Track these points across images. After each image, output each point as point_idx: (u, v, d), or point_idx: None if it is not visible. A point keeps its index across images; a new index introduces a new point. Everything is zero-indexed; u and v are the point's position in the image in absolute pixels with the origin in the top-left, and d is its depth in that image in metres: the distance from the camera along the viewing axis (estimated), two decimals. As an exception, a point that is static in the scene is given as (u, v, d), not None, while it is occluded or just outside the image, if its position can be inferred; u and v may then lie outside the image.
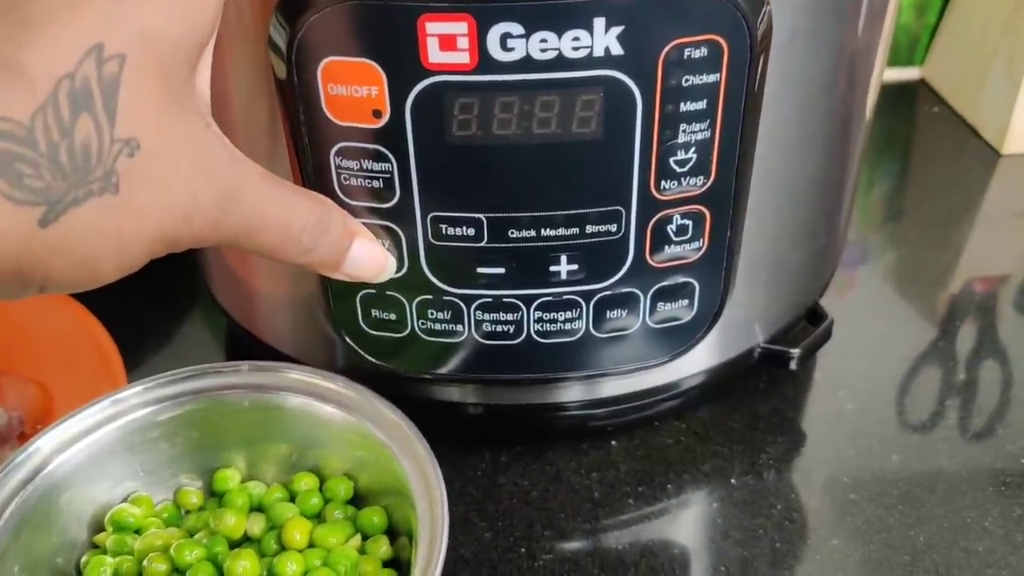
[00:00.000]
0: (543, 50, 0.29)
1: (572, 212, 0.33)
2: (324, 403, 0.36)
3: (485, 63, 0.30)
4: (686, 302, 0.37)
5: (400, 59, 0.30)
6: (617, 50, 0.30)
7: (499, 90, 0.30)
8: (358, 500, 0.37)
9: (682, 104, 0.31)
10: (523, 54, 0.29)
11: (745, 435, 0.45)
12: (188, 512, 0.37)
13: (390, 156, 0.32)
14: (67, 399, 0.43)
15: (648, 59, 0.30)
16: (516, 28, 0.29)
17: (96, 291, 0.26)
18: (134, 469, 0.37)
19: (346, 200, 0.33)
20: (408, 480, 0.33)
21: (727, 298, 0.38)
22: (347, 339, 0.38)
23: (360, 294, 0.36)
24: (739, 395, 0.47)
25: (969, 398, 0.48)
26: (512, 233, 0.34)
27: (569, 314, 0.36)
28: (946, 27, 0.75)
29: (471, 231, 0.34)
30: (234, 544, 0.35)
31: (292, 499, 0.37)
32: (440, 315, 0.36)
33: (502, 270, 0.35)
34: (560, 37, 0.29)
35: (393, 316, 0.37)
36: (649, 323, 0.37)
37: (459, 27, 0.29)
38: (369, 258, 0.33)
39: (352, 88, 0.31)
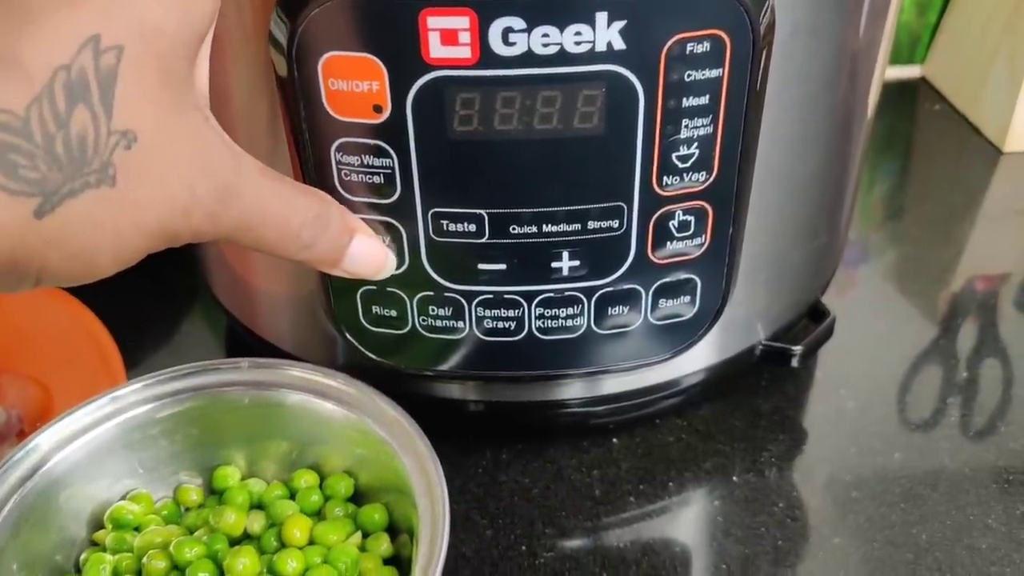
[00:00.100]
0: (545, 45, 0.29)
1: (574, 208, 0.33)
2: (324, 400, 0.36)
3: (486, 58, 0.29)
4: (688, 299, 0.37)
5: (401, 54, 0.30)
6: (619, 45, 0.29)
7: (501, 85, 0.30)
8: (358, 497, 0.37)
9: (684, 99, 0.31)
10: (525, 49, 0.29)
11: (747, 433, 0.45)
12: (188, 509, 0.37)
13: (391, 152, 0.32)
14: (66, 397, 0.43)
15: (650, 54, 0.30)
16: (518, 22, 0.29)
17: (95, 288, 0.26)
18: (133, 466, 0.37)
19: (347, 196, 0.33)
20: (409, 477, 0.33)
21: (729, 295, 0.38)
22: (347, 336, 0.38)
23: (361, 290, 0.36)
24: (741, 393, 0.47)
25: (971, 396, 0.48)
26: (513, 229, 0.34)
27: (570, 311, 0.36)
28: (947, 25, 0.75)
29: (472, 227, 0.34)
30: (234, 541, 0.35)
31: (292, 496, 0.37)
32: (441, 311, 0.36)
33: (503, 266, 0.35)
34: (562, 31, 0.29)
35: (394, 313, 0.37)
36: (651, 320, 0.37)
37: (460, 21, 0.29)
38: (369, 254, 0.33)
39: (353, 83, 0.31)
